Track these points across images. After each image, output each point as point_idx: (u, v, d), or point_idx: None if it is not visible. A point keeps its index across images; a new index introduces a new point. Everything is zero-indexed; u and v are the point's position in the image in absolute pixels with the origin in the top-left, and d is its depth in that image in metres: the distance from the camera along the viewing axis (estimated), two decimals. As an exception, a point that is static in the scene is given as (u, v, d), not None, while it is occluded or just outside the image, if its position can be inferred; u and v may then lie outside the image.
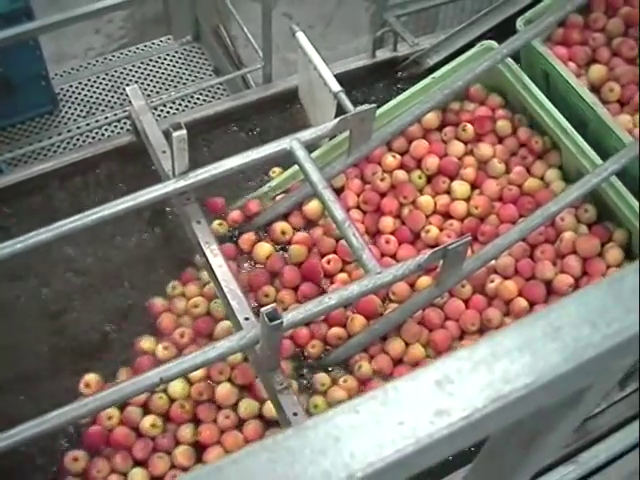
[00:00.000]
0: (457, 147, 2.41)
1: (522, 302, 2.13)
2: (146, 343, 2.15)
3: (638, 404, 1.88)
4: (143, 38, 3.49)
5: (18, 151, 2.68)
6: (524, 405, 0.52)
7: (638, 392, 1.90)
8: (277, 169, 2.45)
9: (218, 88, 3.15)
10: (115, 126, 2.98)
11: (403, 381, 0.50)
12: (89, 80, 3.19)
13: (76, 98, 3.13)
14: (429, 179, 2.40)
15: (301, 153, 1.97)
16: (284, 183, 2.39)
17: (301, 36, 2.28)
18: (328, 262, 2.25)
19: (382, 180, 2.35)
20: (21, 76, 2.88)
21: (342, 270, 2.27)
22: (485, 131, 2.41)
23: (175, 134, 1.82)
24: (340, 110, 2.16)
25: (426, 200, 2.34)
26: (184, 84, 3.21)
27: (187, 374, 1.93)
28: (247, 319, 1.78)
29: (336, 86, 2.18)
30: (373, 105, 2.05)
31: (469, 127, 2.41)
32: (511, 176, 2.35)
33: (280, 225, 2.31)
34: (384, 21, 2.79)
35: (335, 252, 2.28)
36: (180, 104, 3.09)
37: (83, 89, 3.16)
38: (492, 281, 2.18)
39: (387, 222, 2.31)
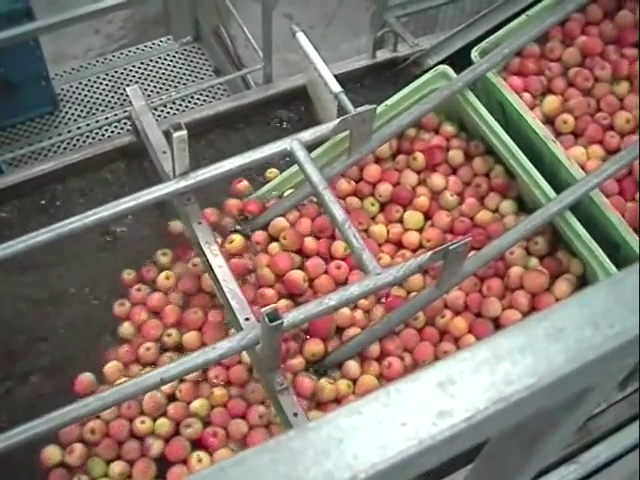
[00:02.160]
0: (410, 176, 2.38)
1: (471, 339, 2.13)
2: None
3: (638, 404, 1.88)
4: (143, 38, 3.49)
5: (18, 151, 2.69)
6: (526, 406, 0.52)
7: (638, 392, 1.90)
8: (274, 170, 2.45)
9: (218, 88, 3.16)
10: (115, 126, 2.98)
11: (405, 382, 0.50)
12: (89, 80, 3.19)
13: (76, 98, 3.13)
14: (382, 206, 2.37)
15: (301, 154, 1.97)
16: (283, 184, 2.38)
17: (301, 36, 2.28)
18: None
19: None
20: (21, 76, 2.89)
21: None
22: (436, 161, 2.39)
23: (175, 134, 1.82)
24: (341, 110, 2.16)
25: (379, 229, 2.31)
26: (184, 84, 3.21)
27: (188, 374, 1.93)
28: (247, 319, 1.78)
29: (336, 87, 2.18)
30: (373, 106, 2.05)
31: (420, 156, 2.38)
32: (463, 208, 2.33)
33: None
34: (384, 22, 2.79)
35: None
36: (180, 104, 3.09)
37: (83, 89, 3.16)
38: (443, 316, 2.16)
39: (339, 246, 2.27)
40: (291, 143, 1.98)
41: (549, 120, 2.36)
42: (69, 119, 3.07)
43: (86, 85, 3.18)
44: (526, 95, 2.37)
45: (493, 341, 0.52)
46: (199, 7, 3.24)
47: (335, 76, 2.21)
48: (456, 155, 2.41)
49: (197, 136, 2.47)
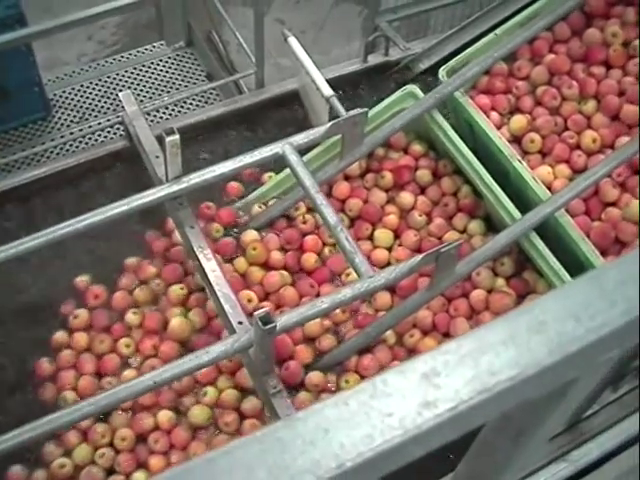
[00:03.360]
0: (378, 194, 2.39)
1: None
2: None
3: (635, 403, 1.88)
4: (136, 44, 3.49)
5: (11, 157, 2.69)
6: (509, 397, 0.53)
7: (634, 392, 1.90)
8: (271, 174, 2.46)
9: (211, 93, 3.16)
10: (108, 132, 2.99)
11: (391, 374, 0.51)
12: (82, 86, 3.20)
13: (69, 104, 3.14)
14: (352, 222, 2.38)
15: (293, 157, 1.98)
16: (275, 188, 2.39)
17: (293, 41, 2.29)
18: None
19: (304, 223, 2.33)
20: (14, 82, 2.88)
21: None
22: (404, 180, 2.40)
23: (168, 139, 1.83)
24: (333, 114, 2.17)
25: None
26: (177, 89, 3.21)
27: (181, 378, 1.94)
28: (241, 323, 1.79)
29: (328, 91, 2.19)
30: (365, 109, 2.06)
31: (388, 175, 2.39)
32: (431, 228, 2.34)
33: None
34: (376, 26, 2.81)
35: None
36: (173, 109, 3.09)
37: (76, 95, 3.17)
38: (412, 335, 2.17)
39: (309, 258, 2.28)
40: (283, 147, 1.99)
41: (516, 139, 2.36)
42: (62, 125, 3.08)
43: (79, 91, 3.18)
44: (494, 114, 2.37)
45: (477, 334, 0.53)
46: (191, 13, 3.25)
47: (327, 80, 2.22)
48: (424, 174, 2.42)
49: (190, 141, 2.48)
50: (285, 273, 2.25)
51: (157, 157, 2.02)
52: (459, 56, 2.40)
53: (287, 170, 2.36)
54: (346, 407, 0.49)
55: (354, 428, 0.48)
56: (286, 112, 2.71)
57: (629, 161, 2.16)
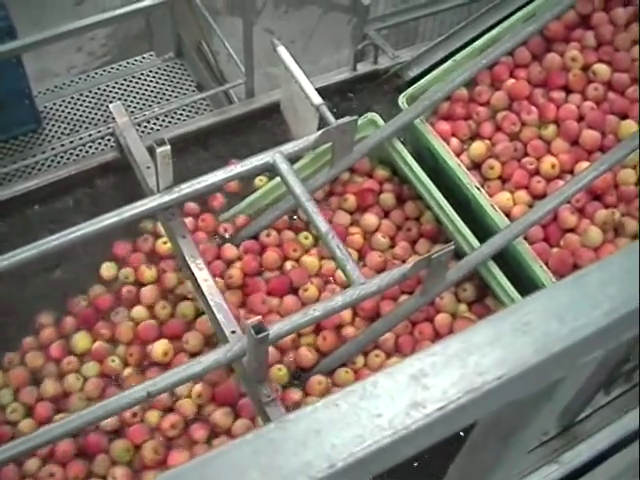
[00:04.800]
0: (342, 216, 2.40)
1: None
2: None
3: (627, 405, 1.89)
4: (126, 55, 3.50)
5: (2, 169, 2.69)
6: (497, 397, 0.54)
7: (626, 394, 1.91)
8: (263, 178, 2.48)
9: (201, 104, 3.17)
10: (99, 143, 2.99)
11: (380, 376, 0.52)
12: (72, 98, 3.20)
13: (60, 116, 3.14)
14: (316, 241, 2.37)
15: (284, 166, 1.99)
16: (264, 197, 2.40)
17: (282, 50, 2.30)
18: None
19: (268, 236, 2.34)
20: (4, 94, 2.89)
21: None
22: (367, 203, 2.41)
23: (159, 150, 1.83)
24: (322, 123, 2.18)
25: (311, 260, 2.31)
26: (167, 100, 3.22)
27: (174, 388, 1.94)
28: (234, 332, 1.79)
29: (317, 99, 2.20)
30: (354, 117, 2.07)
31: (351, 198, 2.40)
32: (396, 250, 2.34)
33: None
34: (365, 34, 2.82)
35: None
36: (164, 120, 3.10)
37: (67, 107, 3.17)
38: (377, 355, 2.17)
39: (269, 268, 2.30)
40: (274, 156, 2.00)
41: (476, 165, 2.37)
42: (53, 136, 3.08)
43: (69, 102, 3.19)
44: (454, 140, 2.39)
45: (463, 335, 0.54)
46: (181, 23, 3.26)
47: (316, 89, 2.23)
48: (388, 198, 2.43)
49: (181, 151, 2.48)
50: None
51: (148, 168, 2.02)
52: (418, 83, 2.40)
53: (273, 181, 2.38)
54: (336, 408, 0.50)
55: (345, 429, 0.49)
56: (276, 121, 2.72)
57: (588, 187, 2.15)
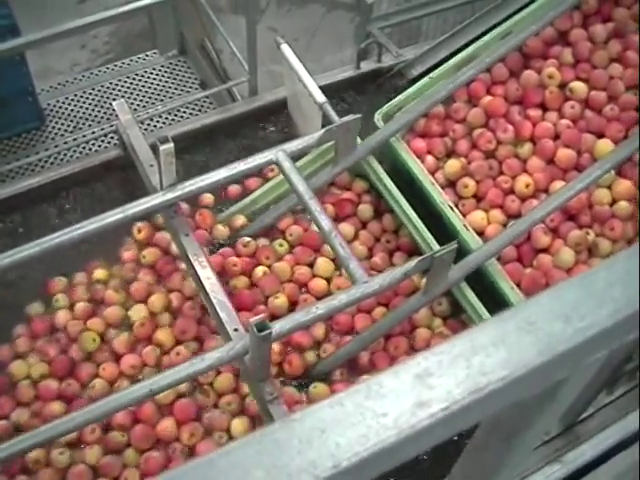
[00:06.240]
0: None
1: None
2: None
3: (630, 405, 1.89)
4: (129, 53, 3.50)
5: (5, 167, 2.70)
6: (501, 397, 0.53)
7: (629, 394, 1.91)
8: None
9: (204, 101, 3.17)
10: (102, 141, 2.99)
11: (385, 375, 0.52)
12: (75, 95, 3.21)
13: (63, 113, 3.14)
14: (291, 249, 2.35)
15: (287, 164, 1.99)
16: (267, 195, 2.40)
17: (286, 48, 2.30)
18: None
19: (245, 246, 2.31)
20: (8, 92, 2.89)
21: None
22: (345, 213, 2.39)
23: (162, 147, 1.83)
24: (326, 121, 2.18)
25: (282, 267, 2.28)
26: (170, 98, 3.22)
27: (177, 385, 1.94)
28: (236, 330, 1.79)
29: (321, 97, 2.20)
30: (358, 115, 2.07)
31: (329, 208, 2.38)
32: (375, 259, 2.32)
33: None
34: (368, 33, 2.82)
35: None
36: (167, 118, 3.10)
37: (70, 104, 3.18)
38: (342, 374, 2.15)
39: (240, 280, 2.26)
40: (277, 154, 2.00)
41: (451, 183, 2.35)
42: (56, 134, 3.08)
43: (72, 100, 3.19)
44: (429, 158, 2.37)
45: (468, 335, 0.54)
46: (184, 21, 3.26)
47: (320, 87, 2.23)
48: (366, 210, 2.42)
49: (184, 149, 2.49)
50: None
51: (151, 165, 2.03)
52: (393, 100, 2.38)
53: (271, 181, 2.38)
54: (341, 408, 0.50)
55: (349, 428, 0.49)
56: (279, 119, 2.72)
57: (562, 207, 2.13)
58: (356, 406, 0.50)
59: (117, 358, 2.15)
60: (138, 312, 2.19)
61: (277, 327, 1.68)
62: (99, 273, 2.28)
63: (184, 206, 2.35)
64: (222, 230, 2.35)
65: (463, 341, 0.54)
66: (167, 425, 2.03)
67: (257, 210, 2.40)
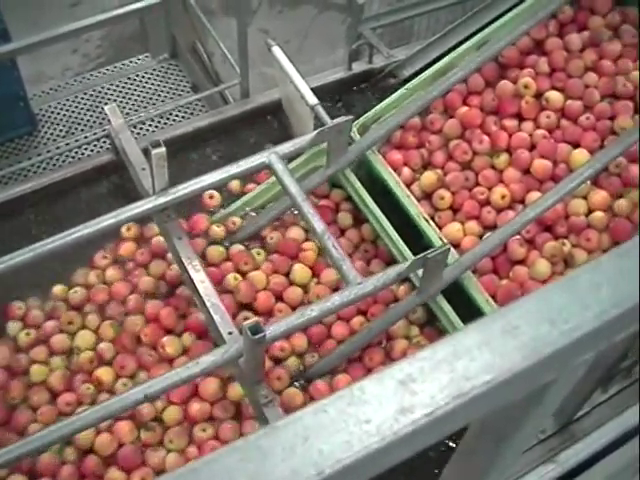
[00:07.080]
0: (296, 231, 2.35)
1: None
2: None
3: (625, 403, 1.89)
4: (120, 57, 3.50)
5: (-2, 172, 2.69)
6: (486, 401, 0.53)
7: (623, 392, 1.91)
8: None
9: (196, 105, 3.17)
10: (95, 145, 2.99)
11: (369, 381, 0.52)
12: (68, 100, 3.20)
13: (55, 118, 3.14)
14: (268, 255, 2.32)
15: (279, 166, 1.99)
16: (260, 197, 2.40)
17: (277, 50, 2.30)
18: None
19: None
20: (-1, 97, 2.89)
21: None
22: (325, 221, 2.28)
23: (154, 152, 1.83)
24: (318, 123, 2.18)
25: (258, 275, 2.23)
26: (162, 101, 3.22)
27: (171, 390, 1.94)
28: (230, 333, 1.79)
29: (313, 99, 2.20)
30: (350, 117, 2.07)
31: None
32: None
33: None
34: (359, 34, 2.82)
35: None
36: (159, 121, 3.10)
37: (62, 109, 3.17)
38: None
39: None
40: (269, 156, 2.00)
41: (427, 195, 2.34)
42: (48, 139, 3.08)
43: (64, 105, 3.18)
44: (405, 170, 2.36)
45: (452, 339, 0.54)
46: (175, 24, 3.26)
47: (311, 89, 2.23)
48: (345, 217, 2.40)
49: (176, 152, 2.48)
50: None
51: (143, 169, 2.03)
52: (370, 112, 2.37)
53: (266, 182, 2.37)
54: (325, 415, 0.50)
55: (333, 435, 0.49)
56: (271, 121, 2.72)
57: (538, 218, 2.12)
58: (339, 413, 0.50)
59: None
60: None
61: (271, 330, 1.68)
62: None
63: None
64: (217, 231, 2.34)
65: (446, 345, 0.54)
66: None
67: (252, 211, 2.40)
